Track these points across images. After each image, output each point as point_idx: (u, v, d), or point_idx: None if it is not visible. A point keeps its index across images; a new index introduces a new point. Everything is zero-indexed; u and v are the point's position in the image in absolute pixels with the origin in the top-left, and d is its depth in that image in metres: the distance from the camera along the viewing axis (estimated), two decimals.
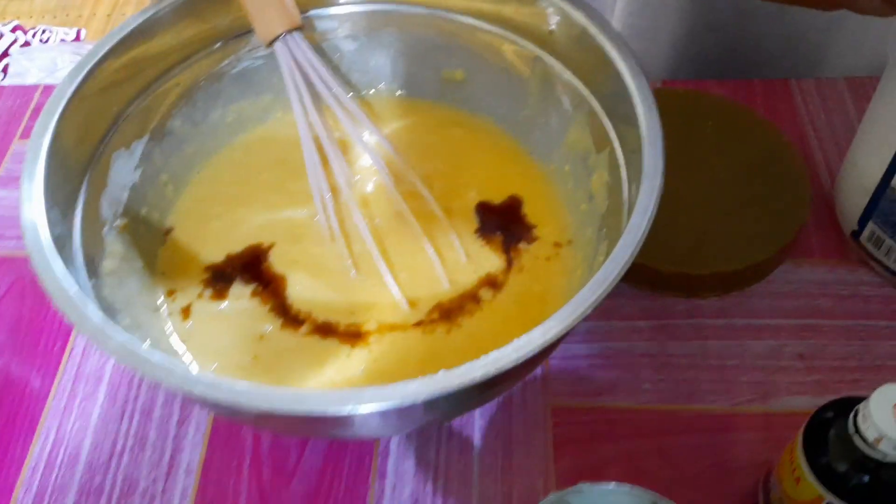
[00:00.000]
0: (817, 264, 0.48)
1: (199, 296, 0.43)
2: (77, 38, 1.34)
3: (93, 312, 0.31)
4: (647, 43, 0.61)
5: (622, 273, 0.32)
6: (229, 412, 0.38)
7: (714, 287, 0.47)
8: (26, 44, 1.29)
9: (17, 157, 0.56)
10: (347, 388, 0.39)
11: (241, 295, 0.43)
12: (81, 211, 0.39)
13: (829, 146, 0.54)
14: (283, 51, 0.44)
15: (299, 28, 0.44)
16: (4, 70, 1.23)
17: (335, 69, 0.50)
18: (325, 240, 0.44)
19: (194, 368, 0.40)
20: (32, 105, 0.60)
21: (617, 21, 0.61)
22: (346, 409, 0.29)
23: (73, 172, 0.40)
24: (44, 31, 1.33)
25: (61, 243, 0.36)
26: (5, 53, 1.25)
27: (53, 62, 1.22)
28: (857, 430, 0.31)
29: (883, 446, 0.31)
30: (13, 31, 1.29)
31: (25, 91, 0.61)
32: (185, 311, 0.42)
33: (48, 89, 0.61)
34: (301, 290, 0.43)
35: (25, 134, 0.57)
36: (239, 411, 0.33)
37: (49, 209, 0.36)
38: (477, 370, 0.29)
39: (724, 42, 0.61)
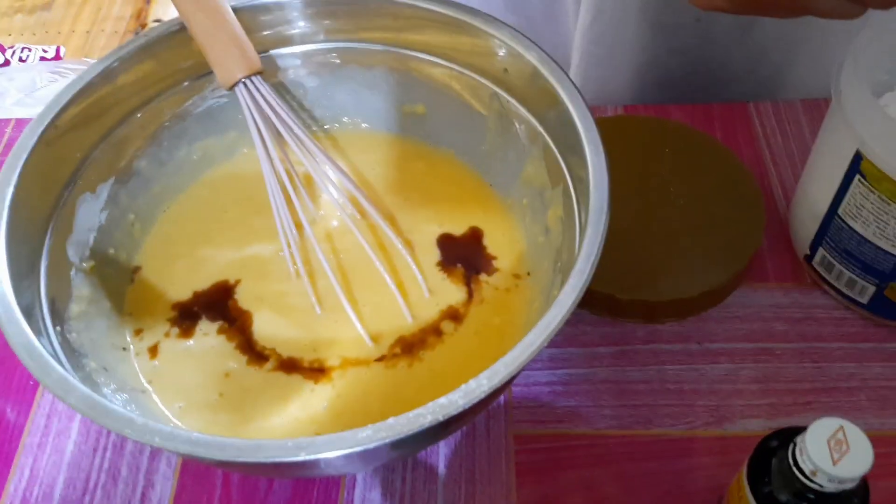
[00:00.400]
0: (773, 288, 0.49)
1: (167, 334, 0.44)
2: (57, 56, 1.34)
3: (53, 368, 0.32)
4: (607, 70, 0.62)
5: (566, 318, 0.33)
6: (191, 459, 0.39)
7: (672, 312, 0.48)
8: (6, 62, 1.30)
9: None
10: (310, 425, 0.41)
11: (207, 332, 0.44)
12: (46, 258, 0.40)
13: (784, 170, 0.55)
14: (243, 94, 0.45)
15: (259, 72, 0.45)
16: None
17: (299, 104, 0.51)
18: (291, 276, 0.45)
19: (160, 407, 0.41)
20: (5, 140, 0.60)
21: (577, 50, 0.62)
22: (300, 457, 0.30)
23: (38, 222, 0.41)
24: (23, 50, 1.33)
25: (24, 295, 0.37)
26: None
27: (32, 81, 1.22)
28: (796, 463, 0.33)
29: (819, 479, 0.32)
30: None
31: None
32: (153, 351, 0.43)
33: (20, 123, 0.61)
34: (266, 326, 0.44)
35: None
36: (200, 460, 0.34)
37: (11, 263, 0.36)
38: (436, 411, 0.31)
39: (686, 65, 0.62)
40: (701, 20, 0.59)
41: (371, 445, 0.30)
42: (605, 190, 0.36)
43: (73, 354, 0.38)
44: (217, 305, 0.45)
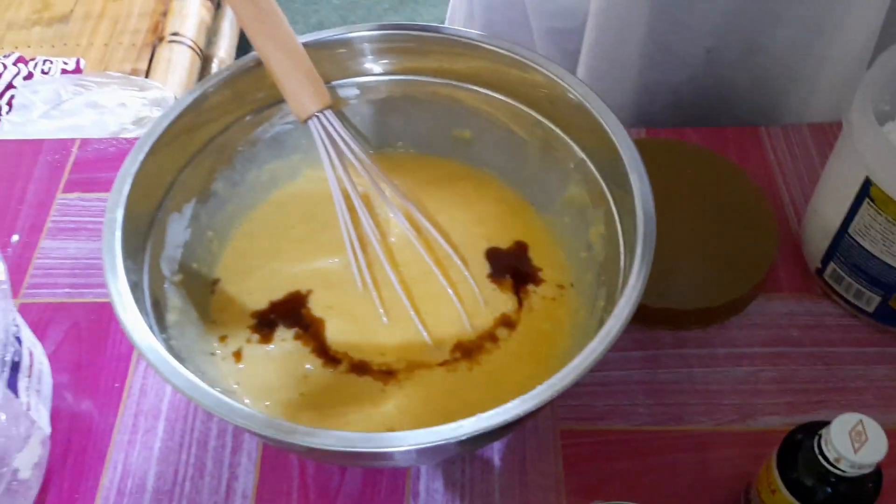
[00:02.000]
0: (786, 298, 0.55)
1: (248, 340, 0.48)
2: (77, 68, 1.38)
3: (182, 372, 0.37)
4: (611, 85, 0.67)
5: (622, 330, 0.38)
6: (285, 447, 0.44)
7: (697, 320, 0.53)
8: (29, 75, 1.33)
9: (62, 209, 0.61)
10: (382, 421, 0.45)
11: (285, 338, 0.49)
12: (147, 273, 0.45)
13: (795, 189, 0.60)
14: (315, 125, 0.49)
15: (329, 106, 0.50)
16: (9, 103, 1.27)
17: (356, 130, 0.56)
18: (357, 286, 0.50)
19: (248, 406, 0.46)
20: (72, 159, 0.65)
21: (582, 65, 0.67)
22: (385, 448, 0.36)
23: (139, 241, 0.45)
24: (45, 62, 1.36)
25: (140, 305, 0.41)
26: (10, 86, 1.29)
27: (57, 94, 1.26)
28: (821, 452, 0.38)
29: (842, 465, 0.37)
30: (15, 63, 1.33)
31: (64, 145, 0.66)
32: (237, 355, 0.48)
33: (85, 143, 0.66)
34: (337, 332, 0.49)
35: (68, 188, 0.63)
36: (295, 448, 0.39)
37: (128, 278, 0.41)
38: (509, 412, 0.35)
39: (694, 90, 0.68)
40: (711, 51, 0.65)
41: (444, 441, 0.35)
42: (652, 219, 0.42)
43: (178, 360, 0.42)
44: (292, 314, 0.50)
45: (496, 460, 0.48)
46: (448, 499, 0.47)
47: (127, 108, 1.25)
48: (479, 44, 0.51)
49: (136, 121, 1.25)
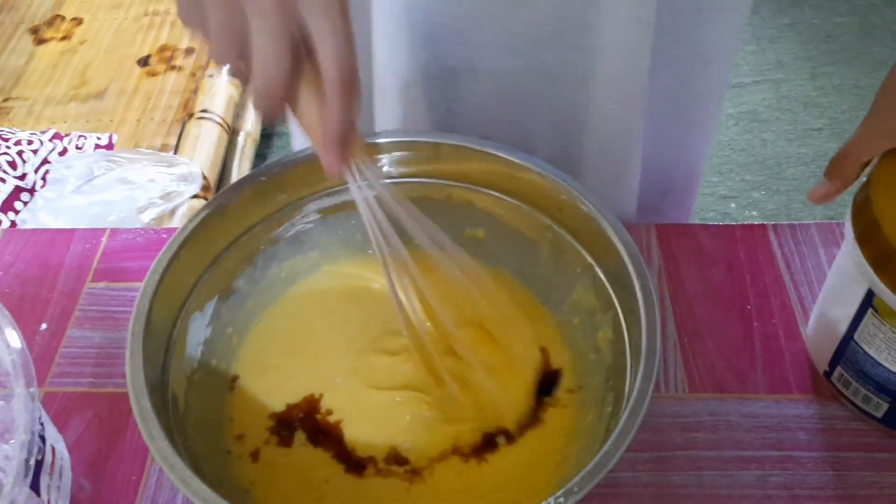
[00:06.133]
0: (795, 399, 0.55)
1: (266, 441, 0.49)
2: (110, 144, 1.43)
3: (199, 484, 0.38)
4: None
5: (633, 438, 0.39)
6: None
7: None
8: (63, 151, 1.38)
9: (90, 298, 0.64)
10: None
11: (304, 443, 0.49)
12: (169, 370, 0.47)
13: (803, 288, 0.61)
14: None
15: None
16: (44, 178, 1.32)
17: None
18: (373, 385, 0.51)
19: None
20: (101, 248, 0.67)
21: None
22: None
23: (161, 338, 0.47)
24: (79, 137, 1.42)
25: (158, 404, 0.43)
26: (45, 161, 1.34)
27: (89, 169, 1.31)
28: None
29: None
30: (51, 139, 1.38)
31: (94, 234, 0.68)
32: (254, 455, 0.49)
33: (114, 232, 0.69)
34: (357, 435, 0.49)
35: (97, 277, 0.65)
36: None
37: (147, 376, 0.43)
38: None
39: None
40: None
41: None
42: (656, 331, 0.43)
43: (194, 460, 0.44)
44: (308, 418, 0.50)
45: None
46: None
47: (156, 184, 1.29)
48: (496, 153, 0.53)
49: (164, 195, 1.29)
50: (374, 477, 0.47)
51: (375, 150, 0.55)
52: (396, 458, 0.48)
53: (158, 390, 0.45)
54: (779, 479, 0.51)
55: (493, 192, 0.55)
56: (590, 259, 0.51)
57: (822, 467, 0.52)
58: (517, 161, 0.53)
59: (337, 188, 0.55)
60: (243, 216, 0.53)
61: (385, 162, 0.56)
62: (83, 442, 0.55)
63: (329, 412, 0.50)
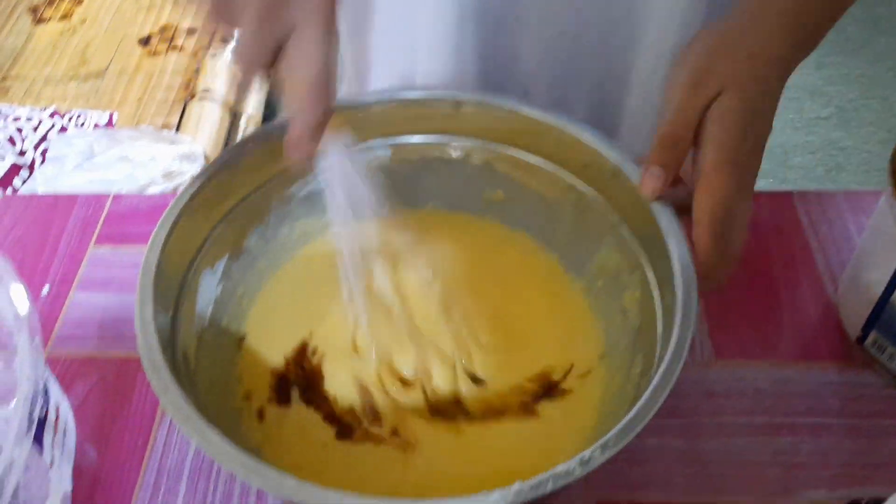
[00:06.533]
0: (827, 367, 0.53)
1: (269, 399, 0.48)
2: (110, 122, 1.41)
3: (213, 434, 0.36)
4: None
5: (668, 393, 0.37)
6: None
7: None
8: (63, 129, 1.36)
9: (94, 261, 0.62)
10: (411, 490, 0.44)
11: (298, 400, 0.48)
12: (179, 327, 0.45)
13: (831, 254, 0.59)
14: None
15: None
16: (43, 155, 1.29)
17: (392, 189, 0.56)
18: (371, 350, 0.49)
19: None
20: (105, 212, 0.65)
21: None
22: None
23: (171, 294, 0.45)
24: (79, 116, 1.40)
25: (169, 361, 0.41)
26: (44, 138, 1.32)
27: (90, 147, 1.29)
28: None
29: None
30: (51, 116, 1.36)
31: (98, 200, 0.66)
32: (260, 414, 0.47)
33: (118, 198, 0.67)
34: (346, 398, 0.48)
35: (100, 240, 0.63)
36: None
37: (158, 330, 0.41)
38: (547, 483, 0.34)
39: None
40: None
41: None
42: (693, 284, 0.41)
43: (205, 417, 0.42)
44: (297, 367, 0.49)
45: None
46: None
47: (157, 162, 1.27)
48: (518, 110, 0.51)
49: (166, 174, 1.27)
50: (364, 443, 0.46)
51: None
52: (374, 413, 0.47)
53: (169, 349, 0.43)
54: (810, 446, 0.49)
55: (514, 151, 0.53)
56: (616, 217, 0.49)
57: (854, 435, 0.50)
58: (540, 118, 0.50)
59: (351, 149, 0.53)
60: (255, 172, 0.51)
61: (401, 123, 0.54)
62: (87, 406, 0.53)
63: (314, 352, 0.49)
